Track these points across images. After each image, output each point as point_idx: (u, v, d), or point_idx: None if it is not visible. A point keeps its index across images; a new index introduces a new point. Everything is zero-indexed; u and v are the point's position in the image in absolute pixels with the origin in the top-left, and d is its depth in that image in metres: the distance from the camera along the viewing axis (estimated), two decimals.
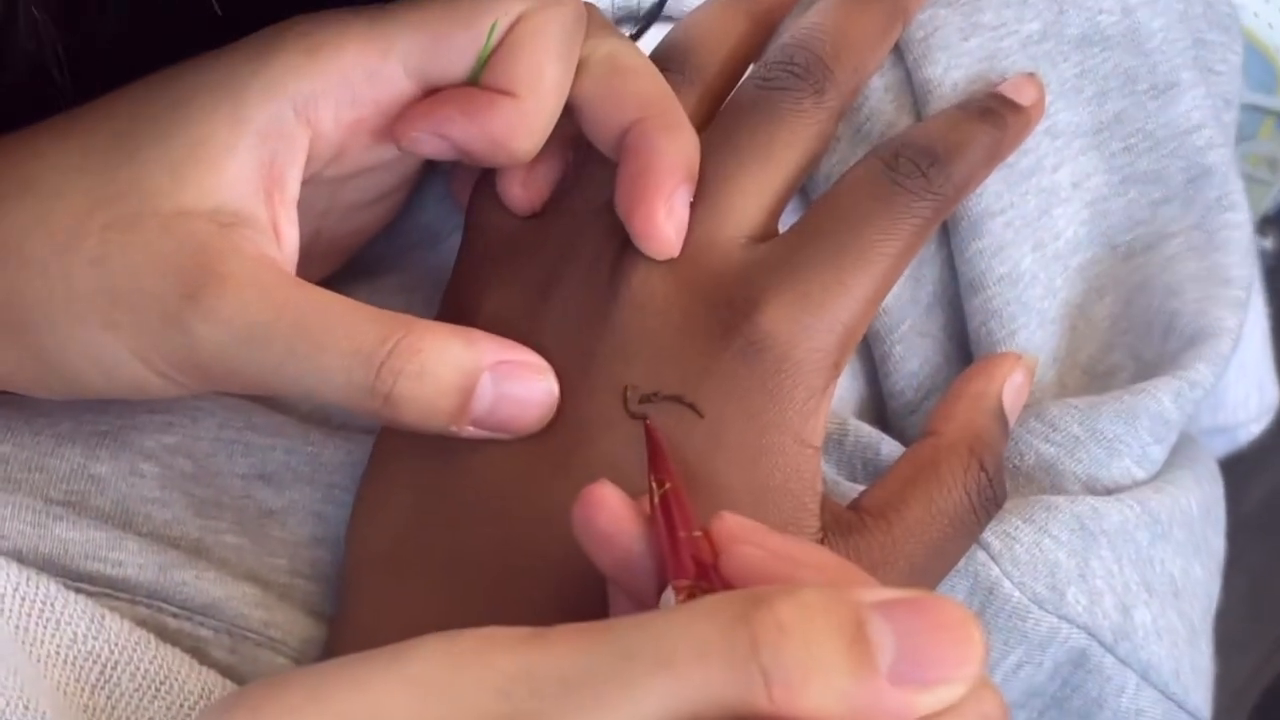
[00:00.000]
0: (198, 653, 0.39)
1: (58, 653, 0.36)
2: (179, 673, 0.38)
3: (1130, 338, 0.47)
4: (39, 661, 0.36)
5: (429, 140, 0.40)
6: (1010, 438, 0.44)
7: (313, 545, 0.43)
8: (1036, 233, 0.46)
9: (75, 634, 0.37)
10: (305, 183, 0.40)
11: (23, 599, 0.36)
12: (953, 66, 0.46)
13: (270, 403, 0.45)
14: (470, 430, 0.38)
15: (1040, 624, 0.42)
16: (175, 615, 0.40)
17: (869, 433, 0.44)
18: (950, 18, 0.47)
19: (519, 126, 0.39)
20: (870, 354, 0.48)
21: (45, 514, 0.40)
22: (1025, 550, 0.42)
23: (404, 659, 0.27)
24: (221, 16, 0.37)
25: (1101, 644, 0.42)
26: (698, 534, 0.31)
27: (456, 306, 0.43)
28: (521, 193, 0.43)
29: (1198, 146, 0.48)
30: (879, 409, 0.48)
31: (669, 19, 0.48)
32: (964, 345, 0.47)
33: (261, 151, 0.38)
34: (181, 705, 0.37)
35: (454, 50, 0.39)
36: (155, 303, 0.37)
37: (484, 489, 0.39)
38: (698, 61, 0.44)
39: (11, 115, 0.40)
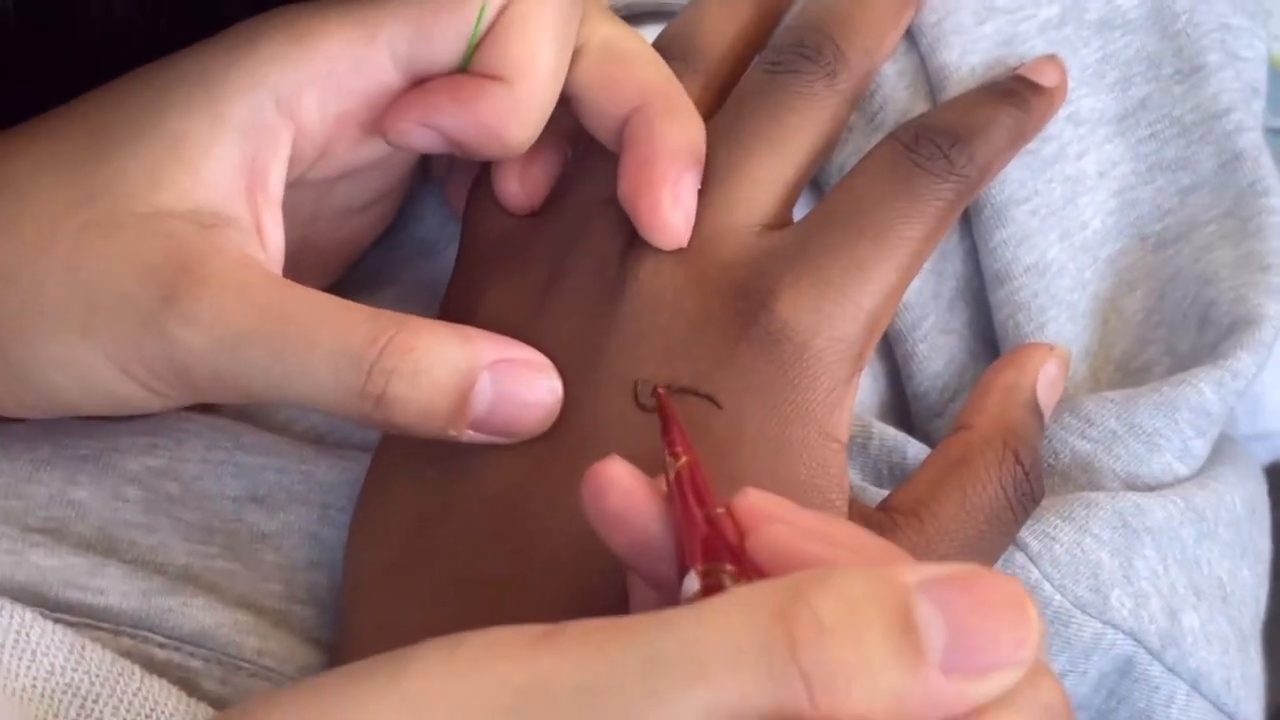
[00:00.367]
0: (187, 684, 0.37)
1: (34, 685, 0.34)
2: (166, 705, 0.36)
3: (1164, 331, 0.45)
4: (14, 695, 0.34)
5: (418, 132, 0.38)
6: (1045, 434, 0.42)
7: (309, 569, 0.41)
8: (1063, 222, 0.45)
9: (53, 665, 0.35)
10: (292, 185, 0.39)
11: None
12: (969, 51, 0.45)
13: (261, 421, 0.43)
14: (470, 434, 0.36)
15: (1084, 629, 0.39)
16: (162, 645, 0.38)
17: (894, 435, 0.42)
18: (965, 2, 0.46)
19: (512, 113, 0.38)
20: (892, 355, 0.46)
21: (22, 541, 0.38)
22: (1065, 550, 0.39)
23: (403, 673, 0.24)
24: (207, 11, 0.36)
25: (1149, 650, 0.40)
26: (720, 511, 0.29)
27: (454, 310, 0.41)
28: (519, 190, 0.41)
29: (1227, 131, 0.46)
30: (903, 412, 0.46)
31: (670, 14, 0.46)
32: (991, 343, 0.45)
33: (242, 148, 0.37)
34: None
35: (442, 37, 0.38)
36: (133, 307, 0.35)
37: (489, 497, 0.37)
38: (702, 48, 0.43)
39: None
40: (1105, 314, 0.45)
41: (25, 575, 0.38)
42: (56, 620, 0.36)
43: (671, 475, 0.30)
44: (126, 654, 0.37)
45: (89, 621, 0.37)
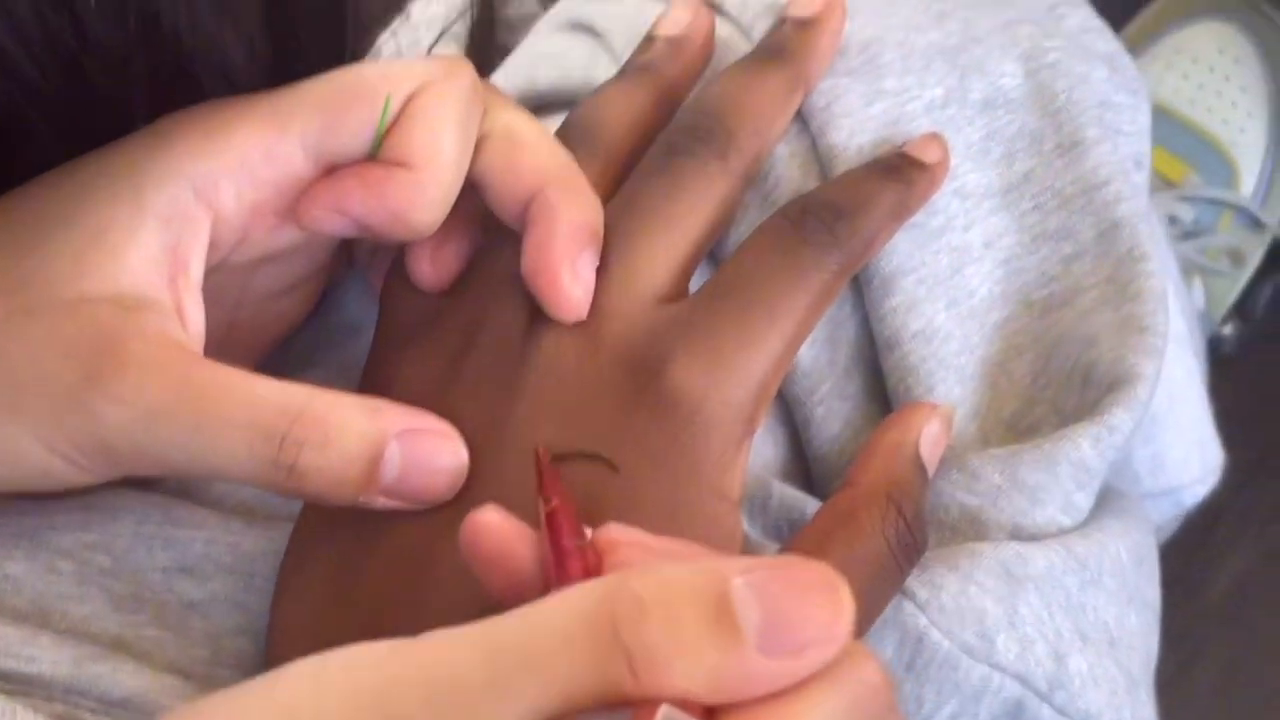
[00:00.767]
0: None
1: None
2: None
3: (1051, 392, 0.47)
4: None
5: (329, 217, 0.40)
6: (933, 491, 0.44)
7: (235, 635, 0.42)
8: (950, 290, 0.47)
9: None
10: (215, 269, 0.41)
11: None
12: (857, 132, 0.47)
13: (195, 496, 0.44)
14: (381, 501, 0.38)
15: (971, 673, 0.41)
16: (93, 711, 0.39)
17: (793, 495, 0.44)
18: (853, 85, 0.47)
19: (417, 198, 0.39)
20: (792, 419, 0.47)
21: None
22: (951, 598, 0.41)
23: (276, 684, 0.27)
24: (129, 110, 0.38)
25: (1036, 693, 0.42)
26: (583, 543, 0.31)
27: (371, 383, 0.43)
28: (430, 269, 0.43)
29: (1106, 201, 0.48)
30: (805, 474, 0.48)
31: (573, 103, 0.48)
32: (886, 407, 0.47)
33: (164, 235, 0.38)
34: None
35: (350, 127, 0.40)
36: (59, 386, 0.37)
37: (398, 558, 0.39)
38: (601, 134, 0.45)
39: None
40: (994, 376, 0.47)
41: None
42: None
43: (543, 517, 0.33)
44: (58, 719, 0.38)
45: (21, 689, 0.38)
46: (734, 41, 0.50)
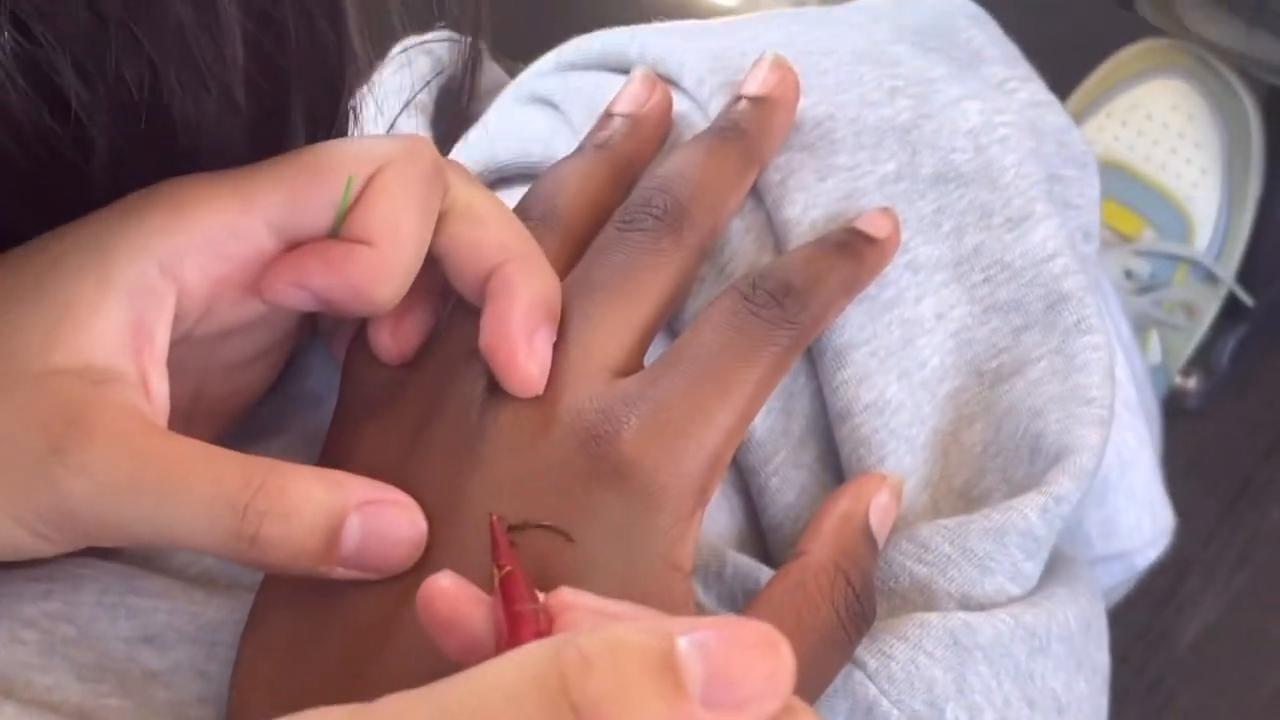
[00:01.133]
0: None
1: None
2: None
3: (1001, 461, 0.48)
4: None
5: (291, 292, 0.41)
6: (883, 561, 0.45)
7: (197, 704, 0.42)
8: (901, 362, 0.48)
9: None
10: (180, 341, 0.41)
11: None
12: (811, 206, 0.48)
13: (158, 565, 0.45)
14: (341, 571, 0.38)
15: None
16: None
17: (747, 564, 0.45)
18: (806, 161, 0.49)
19: (378, 274, 0.40)
20: (747, 489, 0.48)
21: None
22: (901, 668, 0.42)
23: None
24: (97, 186, 0.38)
25: None
26: (536, 607, 0.32)
27: (332, 454, 0.44)
28: (391, 342, 0.44)
29: (1054, 274, 0.49)
30: (760, 543, 0.49)
31: (533, 177, 0.49)
32: (841, 476, 0.48)
33: (129, 310, 0.39)
34: None
35: (313, 205, 0.40)
36: (26, 457, 0.37)
37: (360, 628, 0.39)
38: (559, 209, 0.46)
39: None
40: (946, 446, 0.48)
41: None
42: None
43: (497, 583, 0.34)
44: None
45: None
46: (691, 116, 0.51)
